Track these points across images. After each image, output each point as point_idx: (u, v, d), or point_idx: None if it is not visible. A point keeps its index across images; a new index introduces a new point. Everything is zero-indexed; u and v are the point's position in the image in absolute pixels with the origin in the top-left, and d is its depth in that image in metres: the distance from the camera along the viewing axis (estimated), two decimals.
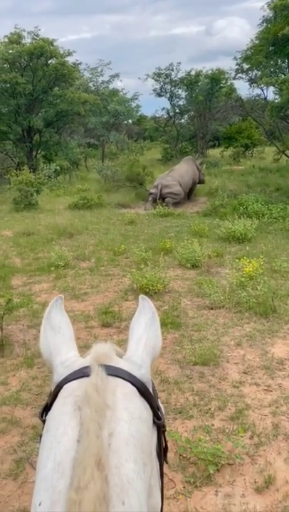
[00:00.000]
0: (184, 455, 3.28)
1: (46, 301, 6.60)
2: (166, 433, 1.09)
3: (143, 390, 0.96)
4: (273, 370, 4.49)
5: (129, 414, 0.87)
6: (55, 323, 1.07)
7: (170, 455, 3.29)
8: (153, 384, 1.05)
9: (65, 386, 0.93)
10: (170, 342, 5.18)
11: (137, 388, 0.94)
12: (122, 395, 0.89)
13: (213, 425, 3.65)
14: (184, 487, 3.02)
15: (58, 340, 1.05)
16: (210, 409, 3.87)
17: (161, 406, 1.06)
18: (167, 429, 3.60)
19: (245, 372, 4.46)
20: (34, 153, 22.65)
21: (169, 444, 3.58)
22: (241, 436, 3.43)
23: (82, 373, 0.92)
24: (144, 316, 1.15)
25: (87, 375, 0.90)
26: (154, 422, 0.98)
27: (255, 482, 3.04)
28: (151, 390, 1.00)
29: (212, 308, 6.11)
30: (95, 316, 5.99)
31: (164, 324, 5.55)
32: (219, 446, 3.23)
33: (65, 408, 0.88)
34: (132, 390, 0.93)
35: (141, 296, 1.22)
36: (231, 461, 3.22)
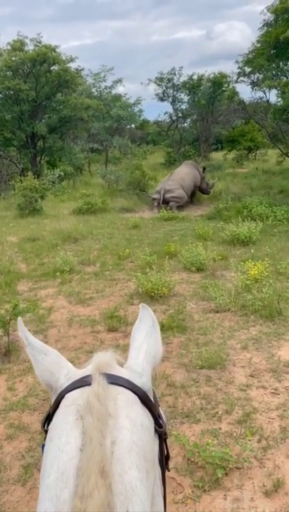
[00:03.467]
0: (192, 459, 3.27)
1: (52, 306, 6.62)
2: (167, 441, 1.09)
3: (144, 398, 0.96)
4: (280, 373, 4.47)
5: (131, 422, 0.87)
6: (38, 346, 1.07)
7: (178, 459, 3.29)
8: (154, 392, 1.05)
9: (67, 395, 0.93)
10: (176, 346, 5.17)
11: (138, 396, 0.94)
12: (124, 403, 0.90)
13: (220, 429, 3.64)
14: (192, 491, 3.01)
15: (53, 359, 1.05)
16: (217, 412, 3.86)
17: (163, 414, 1.06)
18: (174, 433, 3.56)
19: (251, 376, 4.45)
20: (38, 159, 22.75)
21: (176, 448, 3.54)
22: (249, 440, 3.42)
23: (84, 382, 0.93)
24: (145, 325, 1.15)
25: (89, 384, 0.90)
26: (155, 430, 0.98)
27: (264, 486, 3.03)
28: (152, 398, 1.00)
29: (218, 312, 6.10)
30: (101, 320, 6.00)
31: (169, 328, 5.55)
32: (227, 450, 3.22)
33: (67, 417, 0.88)
34: (133, 398, 0.93)
35: (141, 305, 1.22)
36: (239, 464, 3.20)
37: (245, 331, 5.50)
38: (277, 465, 3.22)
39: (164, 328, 5.56)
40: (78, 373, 0.99)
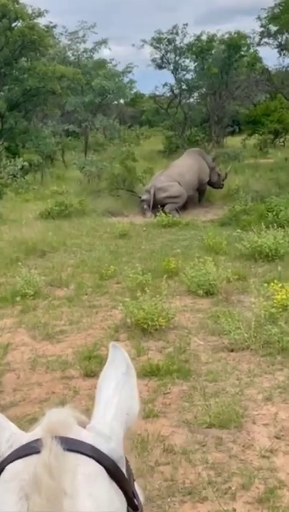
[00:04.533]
0: None
1: (9, 342, 6.60)
2: None
3: (113, 470, 0.94)
4: None
5: (94, 502, 0.85)
6: None
7: None
8: (127, 462, 1.04)
9: (8, 467, 0.92)
10: (176, 397, 5.17)
11: (105, 467, 0.93)
12: (85, 476, 0.88)
13: (235, 510, 3.62)
14: None
15: None
16: (230, 488, 3.85)
17: (139, 491, 1.05)
18: None
19: (277, 437, 4.44)
20: None
21: None
22: None
23: (31, 449, 0.91)
24: (116, 371, 1.14)
25: (37, 452, 0.89)
26: None
27: None
28: (124, 470, 0.99)
29: (232, 350, 6.11)
30: (75, 362, 5.99)
31: (168, 372, 5.55)
32: None
33: (7, 497, 0.87)
34: (98, 469, 0.92)
35: (112, 344, 1.21)
36: None
37: (269, 376, 5.51)
38: None
39: (160, 372, 5.56)
40: (24, 438, 0.98)
